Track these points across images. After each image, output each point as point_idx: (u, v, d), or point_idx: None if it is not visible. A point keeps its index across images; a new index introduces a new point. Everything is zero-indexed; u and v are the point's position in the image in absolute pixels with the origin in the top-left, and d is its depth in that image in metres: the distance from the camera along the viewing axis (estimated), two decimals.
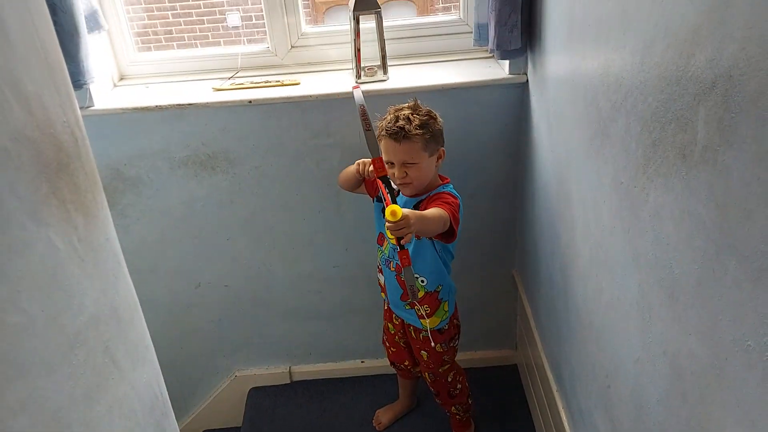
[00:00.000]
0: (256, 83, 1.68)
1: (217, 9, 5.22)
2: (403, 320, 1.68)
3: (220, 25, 5.29)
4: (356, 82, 1.64)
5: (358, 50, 1.63)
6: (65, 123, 0.63)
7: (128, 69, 1.78)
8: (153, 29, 5.23)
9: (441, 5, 5.78)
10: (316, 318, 2.04)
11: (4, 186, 0.52)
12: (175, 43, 5.27)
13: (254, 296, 1.98)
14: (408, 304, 1.60)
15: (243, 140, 1.69)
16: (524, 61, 1.58)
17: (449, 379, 1.75)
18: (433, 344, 1.62)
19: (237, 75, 1.76)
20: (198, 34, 5.29)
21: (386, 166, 1.38)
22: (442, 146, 1.47)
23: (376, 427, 1.97)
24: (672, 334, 0.85)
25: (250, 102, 1.62)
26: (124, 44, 1.75)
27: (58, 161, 0.61)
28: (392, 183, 1.38)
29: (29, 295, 0.55)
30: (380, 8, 1.61)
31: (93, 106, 1.60)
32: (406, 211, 1.24)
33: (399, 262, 1.53)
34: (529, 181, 1.66)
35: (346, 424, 2.01)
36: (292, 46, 1.77)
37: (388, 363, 1.87)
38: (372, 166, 1.37)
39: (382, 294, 1.69)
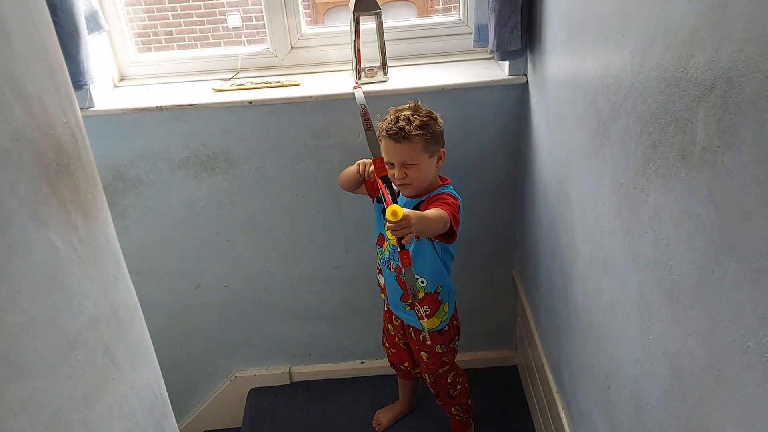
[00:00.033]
0: (256, 84, 1.69)
1: (217, 10, 5.22)
2: (402, 321, 1.68)
3: (220, 25, 5.29)
4: (356, 83, 1.64)
5: (358, 51, 1.63)
6: (65, 124, 0.63)
7: (128, 70, 1.78)
8: (153, 30, 5.23)
9: (441, 6, 5.79)
10: (316, 319, 2.04)
11: (4, 186, 0.53)
12: (175, 44, 5.27)
13: (254, 297, 1.98)
14: (408, 304, 1.60)
15: (243, 141, 1.69)
16: (524, 62, 1.59)
17: (449, 380, 1.75)
18: (429, 342, 1.62)
19: (237, 76, 1.76)
20: (198, 34, 5.29)
21: (386, 166, 1.38)
22: (443, 147, 1.47)
23: (376, 428, 1.97)
24: (671, 334, 0.85)
25: (250, 103, 1.62)
26: (124, 45, 1.75)
27: (58, 162, 0.61)
28: (393, 183, 1.39)
29: (29, 295, 0.56)
30: (380, 9, 1.61)
31: (93, 106, 1.60)
32: (407, 211, 1.25)
33: (399, 263, 1.53)
34: (529, 182, 1.66)
35: (346, 425, 2.01)
36: (293, 47, 1.77)
37: (388, 364, 1.87)
38: (372, 166, 1.37)
39: (382, 295, 1.69)
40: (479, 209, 1.81)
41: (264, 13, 1.72)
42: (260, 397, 2.12)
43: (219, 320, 2.02)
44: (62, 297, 0.61)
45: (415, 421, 1.98)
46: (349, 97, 1.59)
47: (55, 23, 1.03)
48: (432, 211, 1.35)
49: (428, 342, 1.63)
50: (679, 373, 0.84)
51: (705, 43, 0.69)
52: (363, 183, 1.57)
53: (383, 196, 1.34)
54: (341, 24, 1.76)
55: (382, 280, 1.65)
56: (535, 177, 1.59)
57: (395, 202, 1.28)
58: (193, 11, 5.21)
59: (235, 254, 1.88)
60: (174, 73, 1.79)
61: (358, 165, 1.52)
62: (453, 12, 1.85)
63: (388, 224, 1.24)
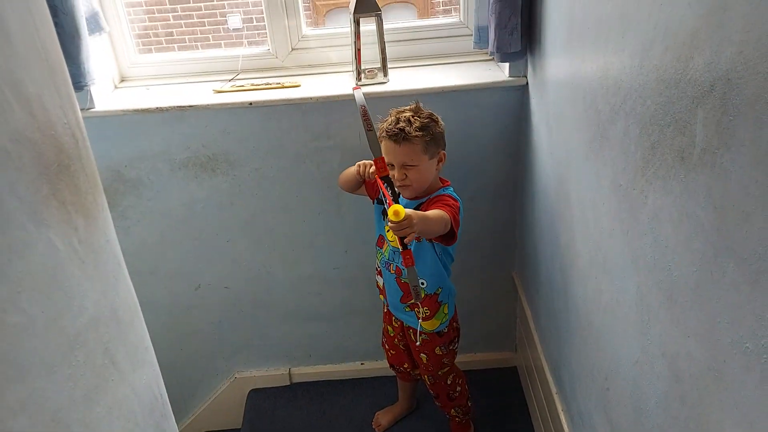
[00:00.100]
0: (256, 85, 1.69)
1: (218, 11, 5.23)
2: (402, 323, 1.68)
3: (221, 27, 5.30)
4: (356, 84, 1.64)
5: (359, 52, 1.64)
6: (66, 124, 0.63)
7: (129, 71, 1.79)
8: (154, 31, 5.24)
9: (441, 8, 5.79)
10: (316, 320, 2.04)
11: (4, 187, 0.53)
12: (176, 45, 5.28)
13: (254, 298, 1.98)
14: (408, 305, 1.60)
15: (243, 142, 1.69)
16: (524, 64, 1.59)
17: (449, 382, 1.75)
18: (418, 343, 1.62)
19: (237, 77, 1.76)
20: (199, 36, 5.30)
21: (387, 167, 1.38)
22: (443, 149, 1.47)
23: (376, 429, 1.97)
24: (671, 336, 0.85)
25: (250, 104, 1.62)
26: (124, 46, 1.75)
27: (58, 162, 0.61)
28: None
29: (29, 296, 0.56)
30: (380, 11, 1.61)
31: (94, 107, 1.61)
32: (409, 211, 1.25)
33: (399, 265, 1.53)
34: (529, 184, 1.66)
35: (345, 426, 2.01)
36: (293, 49, 1.77)
37: (388, 365, 1.87)
38: (373, 167, 1.37)
39: (381, 296, 1.69)
40: (479, 210, 1.81)
41: (264, 15, 1.72)
42: (260, 398, 2.12)
43: (219, 321, 2.02)
44: (62, 297, 0.61)
45: (415, 422, 1.98)
46: (350, 99, 1.59)
47: (56, 24, 1.03)
48: (433, 212, 1.36)
49: (418, 344, 1.63)
50: (678, 374, 0.84)
51: (704, 45, 0.69)
52: (363, 184, 1.57)
53: (384, 196, 1.34)
54: (341, 25, 1.76)
55: (381, 281, 1.65)
56: (535, 178, 1.59)
57: (397, 202, 1.28)
58: (194, 12, 5.22)
59: (235, 255, 1.88)
60: (174, 74, 1.79)
61: (359, 166, 1.52)
62: (453, 14, 1.85)
63: (390, 224, 1.24)
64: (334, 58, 1.79)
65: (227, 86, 1.70)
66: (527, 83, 1.60)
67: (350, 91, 1.58)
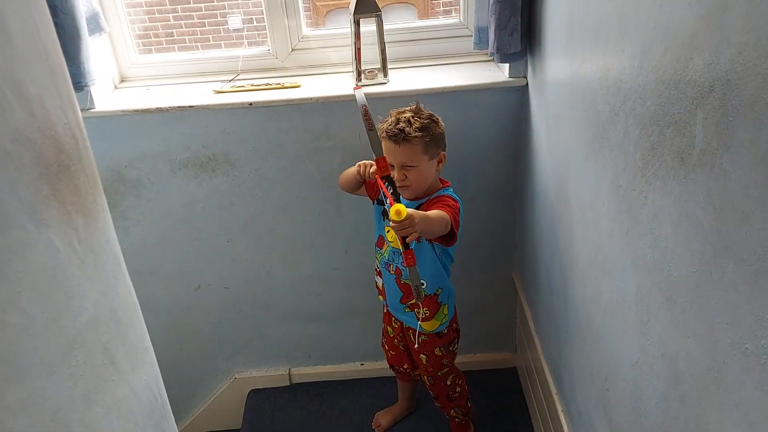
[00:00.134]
0: (256, 86, 1.69)
1: (218, 12, 5.23)
2: (402, 323, 1.68)
3: (221, 27, 5.30)
4: (357, 84, 1.64)
5: (359, 53, 1.64)
6: (66, 125, 0.63)
7: (129, 71, 1.79)
8: (154, 31, 5.24)
9: (441, 8, 5.79)
10: (316, 320, 2.04)
11: (4, 187, 0.53)
12: (176, 46, 5.28)
13: (254, 298, 1.98)
14: (408, 306, 1.60)
15: (243, 142, 1.69)
16: (524, 65, 1.59)
17: (448, 383, 1.75)
18: (417, 345, 1.62)
19: (238, 77, 1.77)
20: (199, 36, 5.30)
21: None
22: (443, 150, 1.47)
23: (376, 430, 1.96)
24: (670, 336, 0.85)
25: (250, 104, 1.62)
26: (125, 46, 1.75)
27: (58, 163, 0.61)
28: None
29: (29, 296, 0.56)
30: (380, 11, 1.61)
31: (94, 108, 1.61)
32: (411, 210, 1.25)
33: (399, 265, 1.53)
34: (529, 184, 1.66)
35: (345, 427, 2.01)
36: (293, 49, 1.77)
37: (388, 366, 1.87)
38: (374, 166, 1.37)
39: (380, 297, 1.69)
40: (479, 211, 1.81)
41: (265, 15, 1.72)
42: (260, 399, 2.12)
43: (219, 321, 2.02)
44: (62, 298, 0.61)
45: (415, 423, 1.98)
46: (350, 99, 1.59)
47: (56, 24, 1.03)
48: (434, 212, 1.36)
49: (417, 346, 1.63)
50: (678, 374, 0.84)
51: (704, 46, 0.69)
52: (363, 184, 1.57)
53: (385, 196, 1.34)
54: (342, 26, 1.76)
55: (380, 282, 1.65)
56: (535, 179, 1.59)
57: (398, 201, 1.28)
58: (194, 13, 5.22)
59: (235, 255, 1.88)
60: (174, 74, 1.80)
61: (359, 166, 1.52)
62: (453, 14, 1.85)
63: (392, 223, 1.24)
64: (334, 58, 1.79)
65: (227, 87, 1.70)
66: (527, 84, 1.60)
67: (350, 92, 1.58)
